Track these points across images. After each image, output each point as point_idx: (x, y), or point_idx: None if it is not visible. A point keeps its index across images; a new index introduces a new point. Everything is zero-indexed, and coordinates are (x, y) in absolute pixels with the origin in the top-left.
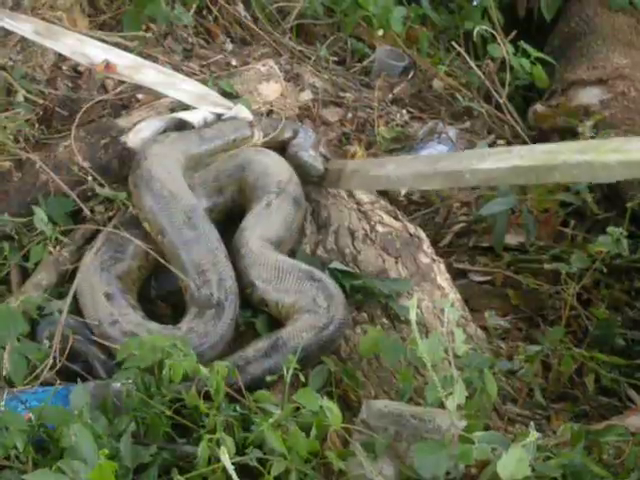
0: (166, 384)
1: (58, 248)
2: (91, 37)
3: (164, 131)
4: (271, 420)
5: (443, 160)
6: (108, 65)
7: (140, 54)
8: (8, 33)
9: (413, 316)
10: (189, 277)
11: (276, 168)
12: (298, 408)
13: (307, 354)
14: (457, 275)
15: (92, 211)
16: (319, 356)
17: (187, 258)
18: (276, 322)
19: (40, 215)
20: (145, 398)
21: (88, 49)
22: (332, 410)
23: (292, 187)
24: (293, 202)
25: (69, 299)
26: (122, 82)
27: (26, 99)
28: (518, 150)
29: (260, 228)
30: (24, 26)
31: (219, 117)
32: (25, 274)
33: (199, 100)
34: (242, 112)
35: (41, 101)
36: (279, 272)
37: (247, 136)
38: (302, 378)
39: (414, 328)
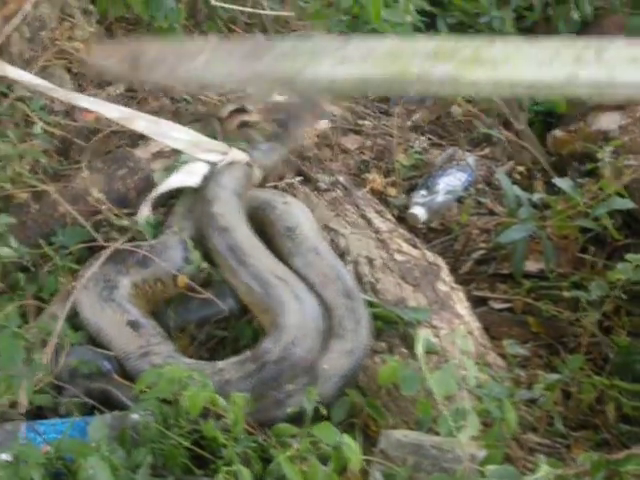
0: (184, 415)
1: (70, 279)
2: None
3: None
4: (289, 453)
5: (266, 55)
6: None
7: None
8: (27, 64)
9: (420, 350)
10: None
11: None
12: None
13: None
14: (477, 303)
15: (107, 241)
16: (354, 382)
17: None
18: None
19: (48, 247)
20: (163, 430)
21: (81, 103)
22: (350, 446)
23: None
24: None
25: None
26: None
27: (44, 130)
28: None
29: (307, 223)
30: (23, 76)
31: (214, 165)
32: (41, 305)
33: (192, 148)
34: (238, 156)
35: (59, 132)
36: (325, 278)
37: (248, 181)
38: (323, 411)
39: (422, 362)
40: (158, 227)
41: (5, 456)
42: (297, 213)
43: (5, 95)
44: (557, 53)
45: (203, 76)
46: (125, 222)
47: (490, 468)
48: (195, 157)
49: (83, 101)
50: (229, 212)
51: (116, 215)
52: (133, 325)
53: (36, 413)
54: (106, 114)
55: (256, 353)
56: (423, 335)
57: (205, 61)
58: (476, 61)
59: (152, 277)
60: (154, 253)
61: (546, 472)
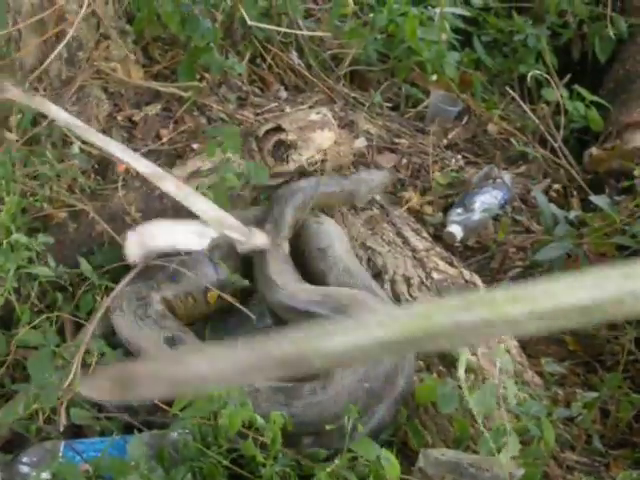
0: (223, 434)
1: (106, 298)
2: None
3: None
4: (328, 469)
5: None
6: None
7: (194, 103)
8: (64, 84)
9: (462, 373)
10: None
11: None
12: (355, 457)
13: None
14: None
15: None
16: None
17: None
18: None
19: (85, 265)
20: (202, 448)
21: (113, 151)
22: (390, 460)
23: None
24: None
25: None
26: (180, 132)
27: (81, 150)
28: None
29: (339, 243)
30: (58, 113)
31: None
32: (79, 325)
33: (214, 222)
34: (258, 238)
35: (96, 152)
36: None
37: None
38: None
39: (463, 384)
40: None
41: (45, 475)
42: (330, 233)
43: (43, 116)
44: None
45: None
46: None
47: None
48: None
49: (116, 150)
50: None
51: None
52: (169, 341)
53: (75, 431)
54: (137, 168)
55: (294, 390)
56: (464, 356)
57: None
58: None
59: (183, 292)
60: (185, 268)
61: None
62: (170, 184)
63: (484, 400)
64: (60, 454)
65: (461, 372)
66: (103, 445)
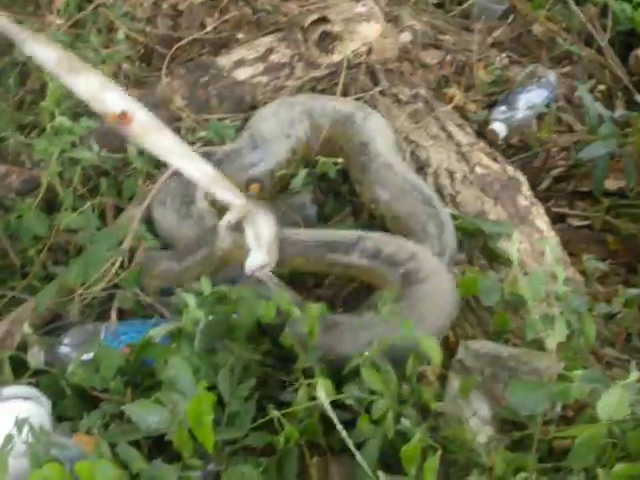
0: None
1: (148, 183)
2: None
3: None
4: (366, 353)
5: None
6: (124, 116)
7: None
8: None
9: (514, 252)
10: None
11: None
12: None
13: None
14: (555, 219)
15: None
16: None
17: None
18: None
19: (133, 150)
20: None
21: (108, 96)
22: (432, 346)
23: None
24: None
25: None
26: (224, 22)
27: (127, 37)
28: None
29: (381, 138)
30: (49, 53)
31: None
32: (119, 210)
33: (210, 182)
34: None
35: (141, 39)
36: (401, 191)
37: None
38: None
39: (515, 264)
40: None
41: (86, 357)
42: (373, 128)
43: (89, 1)
44: None
45: None
46: (203, 133)
47: (578, 372)
48: (210, 192)
49: (115, 94)
50: None
51: (199, 124)
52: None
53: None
54: (133, 114)
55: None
56: (515, 237)
57: None
58: None
59: None
60: (228, 159)
61: (638, 377)
62: (168, 137)
63: (534, 286)
64: (101, 336)
65: (514, 251)
66: (144, 328)
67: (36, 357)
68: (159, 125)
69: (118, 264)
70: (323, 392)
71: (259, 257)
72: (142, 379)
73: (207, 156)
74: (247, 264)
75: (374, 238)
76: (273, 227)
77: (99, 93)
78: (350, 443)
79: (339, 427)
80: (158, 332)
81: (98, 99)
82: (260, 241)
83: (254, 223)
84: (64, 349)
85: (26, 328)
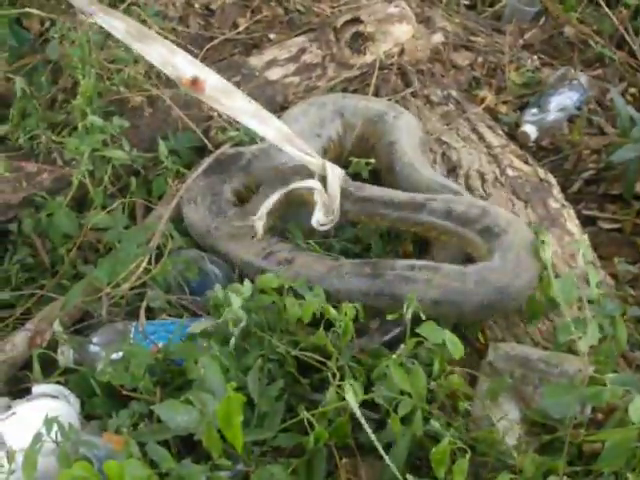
0: (292, 323)
1: (177, 182)
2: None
3: None
4: (395, 355)
5: None
6: (196, 82)
7: None
8: None
9: (548, 254)
10: None
11: None
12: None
13: None
14: (585, 222)
15: (217, 147)
16: None
17: None
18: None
19: (163, 149)
20: (269, 337)
21: (178, 61)
22: (455, 343)
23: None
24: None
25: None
26: (255, 22)
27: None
28: None
29: (407, 138)
30: (117, 24)
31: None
32: (149, 209)
33: (284, 142)
34: (333, 171)
35: (173, 38)
36: (427, 190)
37: None
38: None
39: (548, 266)
40: None
41: (115, 356)
42: (401, 127)
43: (121, 0)
44: None
45: None
46: (234, 133)
47: (610, 376)
48: (282, 149)
49: (185, 59)
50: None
51: (230, 124)
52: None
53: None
54: (205, 78)
55: (379, 263)
56: (549, 240)
57: None
58: None
59: (254, 182)
60: (256, 160)
61: None
62: (240, 99)
63: (566, 288)
64: (131, 335)
65: (546, 254)
66: (173, 327)
67: (66, 356)
68: (230, 88)
69: (146, 262)
70: (352, 395)
71: (324, 213)
72: (172, 378)
73: (236, 157)
74: (313, 218)
75: (442, 199)
76: (338, 185)
77: (171, 59)
78: (379, 445)
79: (367, 430)
80: (196, 328)
81: (171, 65)
82: (328, 198)
83: (324, 181)
84: (94, 348)
85: (56, 326)
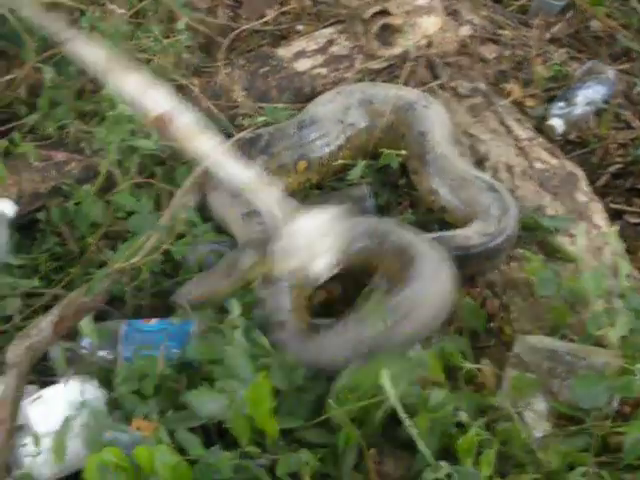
0: None
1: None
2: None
3: None
4: None
5: None
6: (161, 119)
7: None
8: None
9: (580, 244)
10: None
11: None
12: None
13: (472, 262)
14: (612, 216)
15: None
16: (480, 264)
17: None
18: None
19: None
20: None
21: (152, 95)
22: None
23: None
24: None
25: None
26: (282, 13)
27: (187, 27)
28: None
29: (440, 129)
30: (94, 54)
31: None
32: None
33: (249, 188)
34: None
35: (202, 29)
36: (462, 181)
37: None
38: None
39: (580, 256)
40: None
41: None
42: (433, 118)
43: None
44: None
45: None
46: (262, 118)
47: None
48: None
49: (160, 94)
50: None
51: (257, 111)
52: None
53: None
54: (176, 117)
55: None
56: (582, 229)
57: None
58: None
59: (276, 164)
60: (273, 139)
61: None
62: (209, 143)
63: (597, 278)
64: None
65: (580, 242)
66: (160, 327)
67: (56, 358)
68: (199, 130)
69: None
70: (389, 384)
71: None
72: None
73: (254, 140)
74: (314, 268)
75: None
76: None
77: (141, 95)
78: (414, 433)
79: (403, 416)
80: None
81: (139, 100)
82: (323, 247)
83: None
84: (83, 350)
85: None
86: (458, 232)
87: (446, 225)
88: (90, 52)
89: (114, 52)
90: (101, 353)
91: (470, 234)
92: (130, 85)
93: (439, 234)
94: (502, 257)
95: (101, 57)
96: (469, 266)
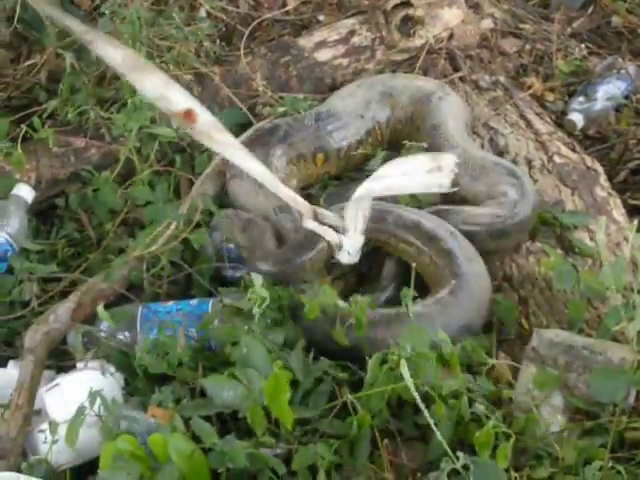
0: None
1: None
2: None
3: None
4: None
5: None
6: (189, 114)
7: None
8: None
9: (601, 238)
10: None
11: None
12: None
13: (477, 238)
14: (631, 212)
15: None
16: (490, 245)
17: None
18: None
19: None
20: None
21: (172, 94)
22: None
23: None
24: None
25: None
26: (303, 3)
27: (208, 15)
28: None
29: (452, 121)
30: (113, 53)
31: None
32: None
33: (269, 183)
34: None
35: (223, 17)
36: (483, 169)
37: None
38: None
39: (602, 249)
40: None
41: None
42: (446, 110)
43: None
44: None
45: None
46: (283, 108)
47: None
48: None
49: (179, 92)
50: None
51: (277, 101)
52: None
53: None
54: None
55: None
56: (602, 222)
57: None
58: None
59: (295, 155)
60: (291, 130)
61: None
62: (231, 139)
63: (617, 272)
64: (138, 317)
65: (600, 236)
66: (176, 308)
67: (74, 343)
68: (220, 125)
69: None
70: (407, 372)
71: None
72: (207, 360)
73: (273, 129)
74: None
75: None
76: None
77: (164, 92)
78: (432, 422)
79: (422, 406)
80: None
81: (164, 98)
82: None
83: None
84: (101, 334)
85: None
86: (467, 208)
87: None
88: (111, 52)
89: (134, 52)
90: (119, 336)
91: (480, 212)
92: (152, 83)
93: (447, 207)
94: (509, 241)
95: (121, 57)
96: (472, 243)
